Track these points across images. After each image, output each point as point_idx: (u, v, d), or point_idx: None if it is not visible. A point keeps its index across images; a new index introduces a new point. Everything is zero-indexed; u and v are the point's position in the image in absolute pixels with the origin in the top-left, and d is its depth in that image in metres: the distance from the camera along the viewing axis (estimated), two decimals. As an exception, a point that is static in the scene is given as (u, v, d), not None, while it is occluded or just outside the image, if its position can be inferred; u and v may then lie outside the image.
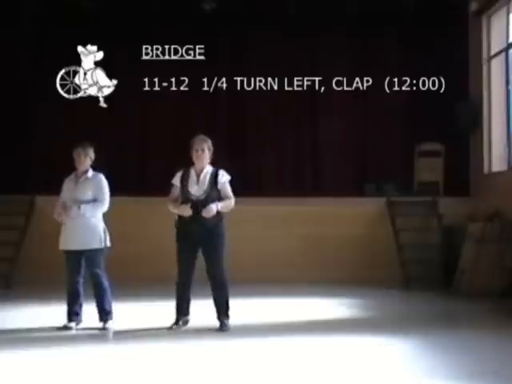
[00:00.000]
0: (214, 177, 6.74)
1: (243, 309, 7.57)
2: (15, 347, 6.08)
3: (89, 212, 6.81)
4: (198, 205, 6.59)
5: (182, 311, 6.86)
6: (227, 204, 6.76)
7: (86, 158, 6.94)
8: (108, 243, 6.94)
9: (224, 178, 6.80)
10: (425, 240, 10.81)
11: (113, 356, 5.83)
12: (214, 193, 6.70)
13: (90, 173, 6.98)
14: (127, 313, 7.64)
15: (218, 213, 6.69)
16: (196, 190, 6.67)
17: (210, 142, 6.84)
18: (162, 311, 7.43)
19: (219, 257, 6.75)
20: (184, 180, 6.75)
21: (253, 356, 5.79)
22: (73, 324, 6.83)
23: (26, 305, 8.54)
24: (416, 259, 10.61)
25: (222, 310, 6.80)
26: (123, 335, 6.61)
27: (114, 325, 6.88)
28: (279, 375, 5.14)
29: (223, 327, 6.73)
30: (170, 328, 6.75)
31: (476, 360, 5.61)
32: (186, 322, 6.88)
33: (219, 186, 6.75)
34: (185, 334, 6.57)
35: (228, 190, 6.82)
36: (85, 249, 6.81)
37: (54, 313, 7.44)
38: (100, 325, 6.86)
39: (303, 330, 7.00)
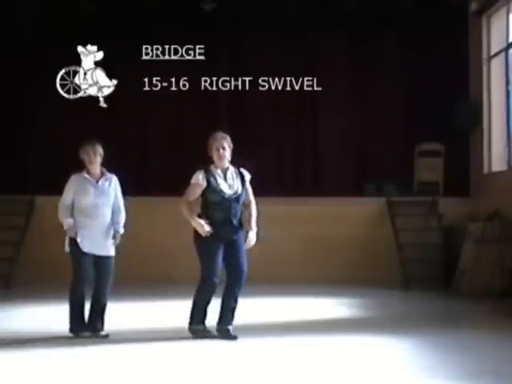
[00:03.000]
0: (241, 176, 6.51)
1: (244, 309, 7.56)
2: (14, 347, 6.08)
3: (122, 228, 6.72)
4: (231, 205, 6.34)
5: (203, 317, 6.47)
6: (256, 215, 6.54)
7: (96, 155, 6.63)
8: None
9: (248, 176, 6.56)
10: (425, 240, 10.80)
11: (111, 356, 5.82)
12: (243, 192, 6.46)
13: (107, 174, 6.70)
14: (127, 313, 7.63)
15: (241, 213, 6.51)
16: (227, 189, 6.40)
17: (229, 139, 6.60)
18: (162, 311, 7.43)
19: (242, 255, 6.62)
20: (211, 179, 6.40)
21: (253, 355, 5.80)
22: (88, 333, 6.49)
23: (26, 305, 8.52)
24: (416, 259, 10.61)
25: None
26: (122, 335, 6.59)
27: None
28: (279, 375, 5.14)
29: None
30: (205, 335, 6.39)
31: (476, 360, 5.61)
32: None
33: (246, 186, 6.50)
34: (184, 334, 6.55)
35: (251, 191, 6.57)
36: (110, 255, 6.60)
37: (53, 313, 7.44)
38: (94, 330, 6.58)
39: (303, 329, 7.00)
